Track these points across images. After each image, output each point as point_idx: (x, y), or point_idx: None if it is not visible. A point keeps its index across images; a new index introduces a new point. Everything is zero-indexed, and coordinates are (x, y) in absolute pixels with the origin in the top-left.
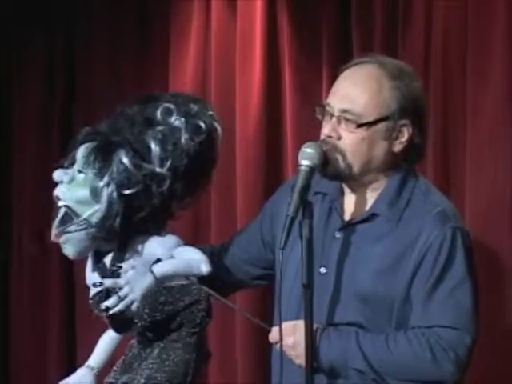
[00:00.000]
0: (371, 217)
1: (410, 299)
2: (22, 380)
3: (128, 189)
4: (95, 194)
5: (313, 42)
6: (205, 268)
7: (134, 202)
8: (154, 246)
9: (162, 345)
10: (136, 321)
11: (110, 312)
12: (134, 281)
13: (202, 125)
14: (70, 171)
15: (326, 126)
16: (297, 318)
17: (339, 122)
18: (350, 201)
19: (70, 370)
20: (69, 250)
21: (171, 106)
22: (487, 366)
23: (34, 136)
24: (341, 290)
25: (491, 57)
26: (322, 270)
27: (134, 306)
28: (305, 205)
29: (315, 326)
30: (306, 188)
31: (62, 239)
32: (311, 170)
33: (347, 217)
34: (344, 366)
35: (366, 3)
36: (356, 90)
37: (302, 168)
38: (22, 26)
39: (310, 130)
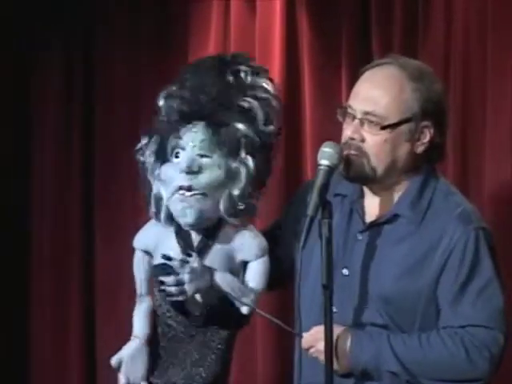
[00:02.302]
0: (393, 218)
1: (435, 300)
2: (43, 380)
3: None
4: (230, 174)
5: (332, 42)
6: (245, 308)
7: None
8: (253, 246)
9: (200, 344)
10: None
11: (161, 288)
12: (196, 274)
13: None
14: (186, 158)
15: (349, 128)
16: (319, 320)
17: (362, 124)
18: (370, 202)
19: (91, 368)
20: (191, 216)
21: (248, 68)
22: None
23: (54, 137)
24: (364, 291)
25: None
26: (345, 271)
27: (181, 297)
28: (324, 204)
29: (343, 328)
30: (324, 187)
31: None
32: (330, 170)
33: (368, 218)
34: (377, 369)
35: (386, 3)
36: (378, 92)
37: (321, 168)
38: (40, 27)
39: (329, 130)
